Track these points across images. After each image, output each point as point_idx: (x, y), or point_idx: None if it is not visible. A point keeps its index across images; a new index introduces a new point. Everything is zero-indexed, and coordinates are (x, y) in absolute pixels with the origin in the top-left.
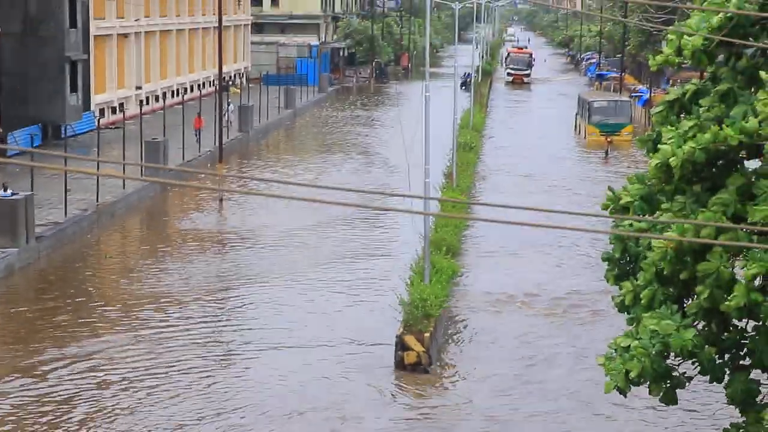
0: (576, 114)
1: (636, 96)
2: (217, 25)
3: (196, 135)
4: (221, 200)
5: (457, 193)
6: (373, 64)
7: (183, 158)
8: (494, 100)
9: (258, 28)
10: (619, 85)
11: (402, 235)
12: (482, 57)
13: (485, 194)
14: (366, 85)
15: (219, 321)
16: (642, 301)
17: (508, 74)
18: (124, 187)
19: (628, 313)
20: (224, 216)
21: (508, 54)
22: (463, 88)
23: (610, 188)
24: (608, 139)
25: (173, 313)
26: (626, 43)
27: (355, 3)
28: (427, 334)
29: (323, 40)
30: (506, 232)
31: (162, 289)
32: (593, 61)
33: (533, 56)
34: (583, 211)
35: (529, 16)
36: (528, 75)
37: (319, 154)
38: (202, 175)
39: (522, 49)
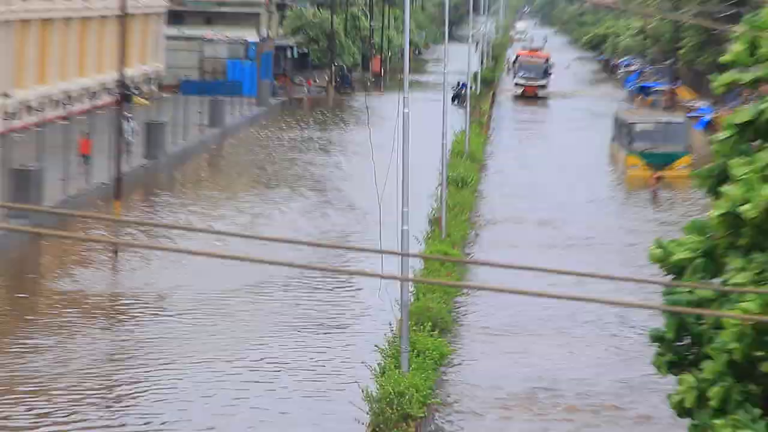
0: (612, 140)
1: (694, 116)
2: (119, 13)
3: (84, 162)
4: (116, 252)
5: (446, 247)
6: (333, 69)
7: (65, 194)
8: (498, 120)
9: (176, 18)
10: (670, 100)
11: (369, 300)
12: (482, 61)
13: (485, 249)
14: (323, 97)
15: (108, 423)
16: (711, 402)
17: (517, 85)
18: None
19: (692, 419)
20: (121, 274)
21: (517, 58)
22: (456, 102)
23: (658, 241)
24: (656, 175)
25: (42, 408)
26: (679, 44)
27: None
28: None
29: (265, 35)
30: (514, 302)
31: (28, 375)
32: (633, 68)
33: (551, 61)
34: (618, 275)
35: (546, 6)
36: (544, 86)
37: (257, 189)
38: (91, 220)
39: (536, 51)
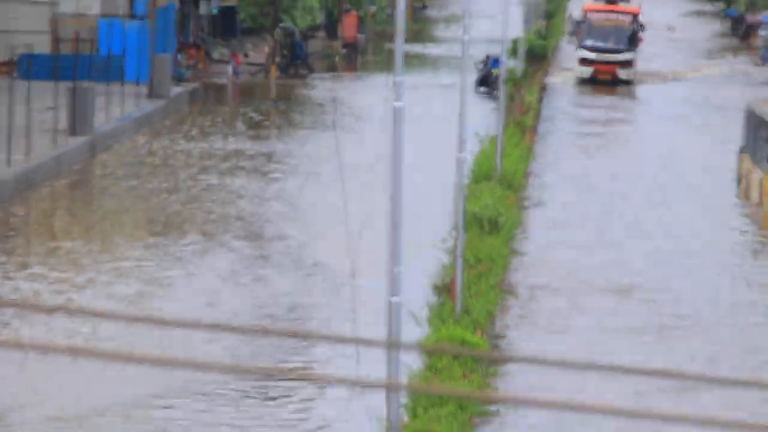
0: (741, 150)
1: None
2: None
3: None
4: None
5: (463, 331)
6: (277, 35)
7: None
8: (552, 119)
9: None
10: None
11: (334, 416)
12: (527, 20)
13: (526, 334)
14: (261, 81)
15: None
16: None
17: (584, 62)
18: None
19: None
20: None
21: (584, 16)
22: (483, 89)
23: None
24: None
25: None
26: None
27: None
28: None
29: None
30: (573, 421)
31: None
32: None
33: (641, 21)
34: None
35: None
36: (629, 64)
37: (148, 238)
38: None
39: (615, 3)
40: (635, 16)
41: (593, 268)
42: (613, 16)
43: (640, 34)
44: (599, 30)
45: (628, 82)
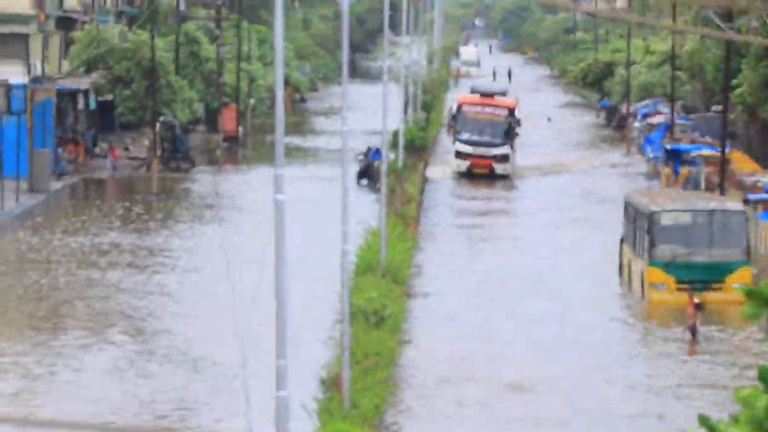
0: (622, 241)
1: (758, 199)
2: None
3: None
4: None
5: (352, 427)
6: (159, 127)
7: None
8: (433, 211)
9: None
10: (720, 174)
11: None
12: (407, 111)
13: (420, 428)
14: (143, 174)
15: None
16: None
17: (460, 155)
18: None
19: None
20: None
21: (459, 109)
22: (365, 180)
23: (703, 418)
24: (694, 300)
25: None
26: (731, 79)
27: None
28: None
29: (38, 72)
30: None
31: None
32: (657, 120)
33: (517, 114)
34: None
35: (509, 19)
36: (506, 157)
37: (29, 333)
38: None
39: (490, 97)
40: (511, 110)
41: (479, 364)
42: (489, 109)
43: (516, 129)
44: (474, 123)
45: (505, 176)
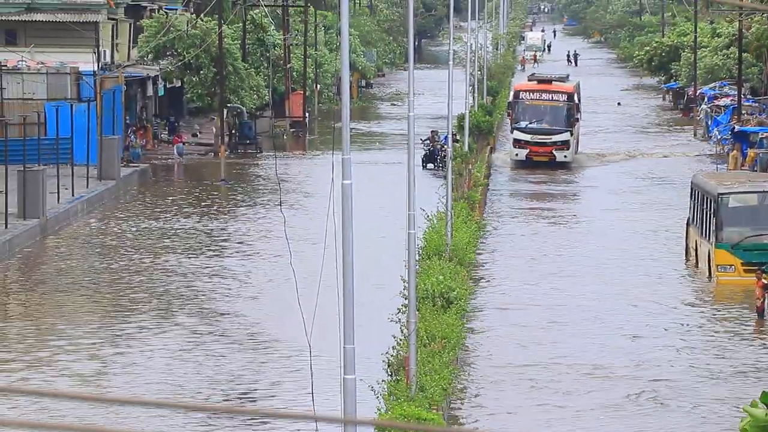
0: (688, 224)
1: None
2: None
3: None
4: None
5: (418, 410)
6: (226, 114)
7: None
8: (500, 197)
9: None
10: None
11: None
12: (474, 96)
13: (486, 412)
14: (211, 160)
15: None
16: None
17: (518, 143)
18: None
19: None
20: None
21: (515, 96)
22: (431, 165)
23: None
24: (763, 281)
25: None
26: None
27: None
28: None
29: (108, 60)
30: None
31: None
32: (724, 102)
33: (578, 98)
34: None
35: (577, 2)
36: (565, 145)
37: (104, 317)
38: None
39: (549, 83)
40: (570, 95)
41: (545, 347)
42: (547, 95)
43: (576, 113)
44: (532, 110)
45: (567, 163)
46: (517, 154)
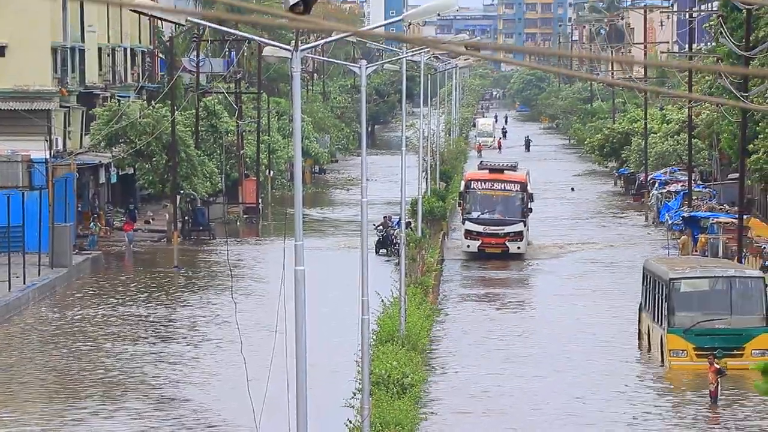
0: (640, 309)
1: None
2: None
3: None
4: None
5: None
6: (179, 200)
7: None
8: (452, 280)
9: None
10: (738, 241)
11: None
12: (427, 179)
13: None
14: (164, 247)
15: None
16: None
17: (469, 234)
18: None
19: None
20: None
21: (467, 186)
22: (383, 251)
23: None
24: (716, 365)
25: None
26: (747, 146)
27: (134, 65)
28: None
29: (60, 148)
30: None
31: None
32: (675, 188)
33: (529, 188)
34: None
35: (528, 88)
36: (519, 236)
37: (53, 402)
38: None
39: (500, 172)
40: (523, 184)
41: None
42: (499, 185)
43: (527, 204)
44: (484, 200)
45: (520, 254)
46: (468, 246)
